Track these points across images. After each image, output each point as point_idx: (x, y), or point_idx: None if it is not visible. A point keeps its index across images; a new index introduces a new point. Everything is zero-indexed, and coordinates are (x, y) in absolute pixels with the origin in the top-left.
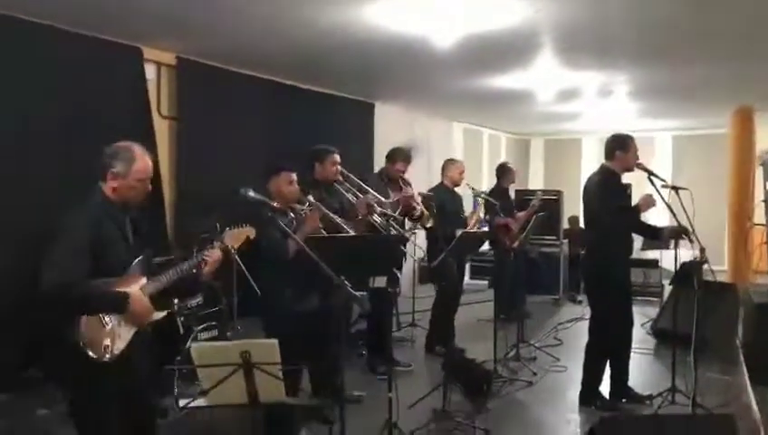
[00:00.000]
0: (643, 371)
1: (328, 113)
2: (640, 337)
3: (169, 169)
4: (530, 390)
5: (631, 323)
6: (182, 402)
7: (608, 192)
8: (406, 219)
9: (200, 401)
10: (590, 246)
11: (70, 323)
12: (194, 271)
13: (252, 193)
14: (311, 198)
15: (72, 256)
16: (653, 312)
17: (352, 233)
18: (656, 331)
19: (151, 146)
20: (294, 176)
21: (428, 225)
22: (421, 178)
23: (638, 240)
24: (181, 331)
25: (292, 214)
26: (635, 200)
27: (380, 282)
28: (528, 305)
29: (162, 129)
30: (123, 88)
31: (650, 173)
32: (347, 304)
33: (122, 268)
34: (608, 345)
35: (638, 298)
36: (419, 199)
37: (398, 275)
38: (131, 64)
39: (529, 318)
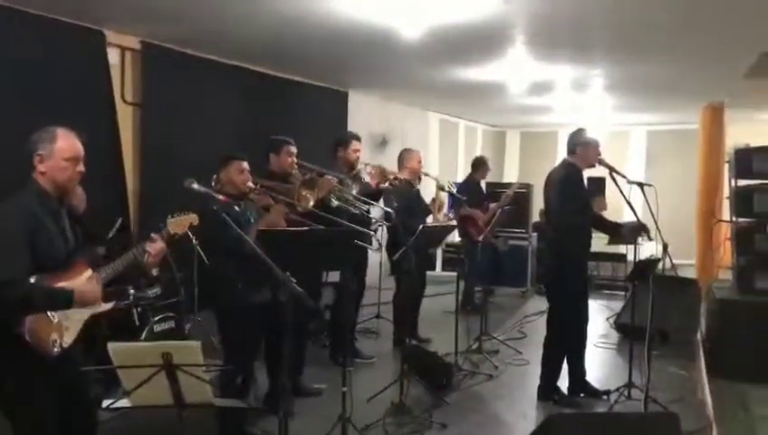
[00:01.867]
0: (605, 365)
1: (299, 101)
2: (605, 331)
3: (133, 157)
4: (490, 383)
5: (586, 319)
6: (105, 403)
7: (567, 188)
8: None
9: (124, 402)
10: (548, 241)
11: (14, 320)
12: (138, 262)
13: (195, 185)
14: (258, 185)
15: (9, 252)
16: (619, 306)
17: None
18: (618, 325)
19: (114, 133)
20: (245, 165)
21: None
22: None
23: (604, 235)
24: (137, 322)
25: (237, 208)
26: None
27: (335, 277)
28: (495, 298)
29: (126, 115)
30: (85, 73)
31: (612, 170)
32: (299, 299)
33: (60, 261)
34: (566, 340)
35: (606, 292)
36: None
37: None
38: (93, 49)
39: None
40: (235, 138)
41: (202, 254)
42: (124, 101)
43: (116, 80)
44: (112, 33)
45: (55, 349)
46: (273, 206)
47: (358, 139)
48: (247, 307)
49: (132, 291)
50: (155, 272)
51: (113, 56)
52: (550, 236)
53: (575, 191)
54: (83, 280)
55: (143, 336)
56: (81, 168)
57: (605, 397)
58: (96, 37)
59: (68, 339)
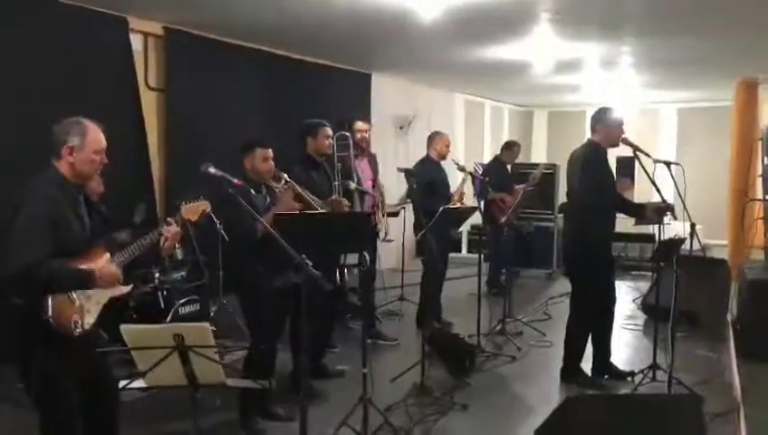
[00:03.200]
0: (630, 346)
1: (322, 85)
2: (631, 313)
3: (158, 142)
4: (513, 365)
5: (613, 301)
6: (121, 383)
7: (589, 168)
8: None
9: (139, 383)
10: (571, 222)
11: (38, 302)
12: (154, 246)
13: (212, 169)
14: (285, 176)
15: (35, 235)
16: (646, 287)
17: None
18: (645, 306)
19: (138, 119)
20: (270, 152)
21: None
22: (421, 151)
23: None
24: (162, 305)
25: (253, 192)
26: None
27: (353, 259)
28: (521, 280)
29: (150, 101)
30: (108, 59)
31: (636, 148)
32: (315, 281)
33: (79, 246)
34: (588, 322)
35: (633, 273)
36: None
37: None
38: (117, 35)
39: (509, 294)
40: (258, 122)
41: (225, 236)
42: (148, 87)
43: (139, 66)
44: (135, 20)
45: (77, 330)
46: (282, 190)
47: (366, 118)
48: (268, 290)
49: (158, 274)
50: (180, 255)
51: (136, 42)
52: (572, 217)
53: (597, 171)
54: (103, 262)
55: (168, 319)
56: (104, 159)
57: (629, 378)
58: (119, 24)
59: (89, 320)
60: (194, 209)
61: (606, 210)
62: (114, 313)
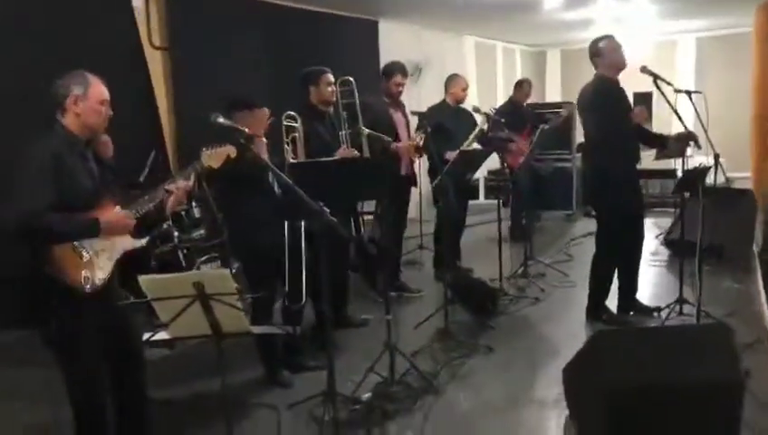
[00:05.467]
0: (655, 283)
1: (329, 34)
2: (654, 249)
3: (167, 101)
4: (537, 307)
5: (641, 237)
6: (144, 336)
7: (599, 103)
8: None
9: (162, 334)
10: (589, 160)
11: (42, 253)
12: (160, 202)
13: (221, 119)
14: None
15: (36, 184)
16: (669, 223)
17: None
18: (669, 242)
19: (145, 79)
20: (267, 113)
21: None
22: (433, 97)
23: (651, 151)
24: (183, 263)
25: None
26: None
27: (370, 207)
28: (541, 223)
29: (155, 60)
30: (109, 19)
31: (656, 77)
32: (333, 229)
33: (89, 201)
34: (613, 260)
35: (655, 210)
36: (415, 147)
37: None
38: None
39: (531, 237)
40: (266, 75)
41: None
42: (152, 46)
43: (142, 24)
44: None
45: (87, 286)
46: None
47: (405, 72)
48: (264, 249)
49: (177, 233)
50: (197, 213)
51: (137, 0)
52: (590, 155)
53: (609, 105)
54: (114, 211)
55: None
56: (110, 111)
57: (656, 314)
58: None
59: (101, 275)
60: (217, 155)
61: (623, 143)
62: (135, 272)
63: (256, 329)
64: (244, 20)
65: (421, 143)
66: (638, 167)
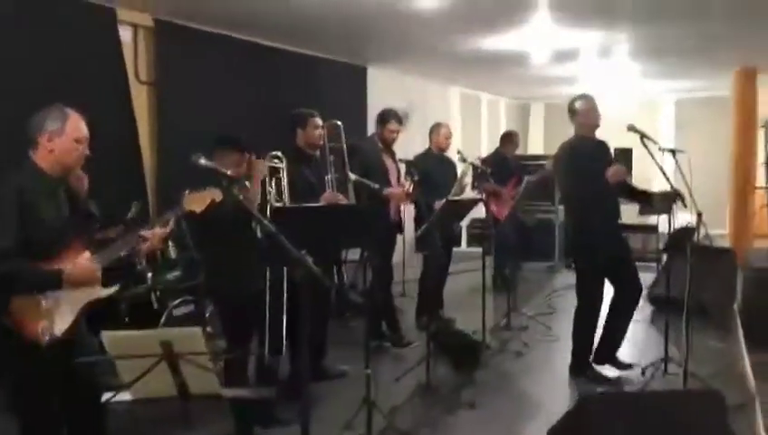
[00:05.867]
0: (638, 339)
1: (318, 78)
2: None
3: (150, 137)
4: (519, 361)
5: (630, 291)
6: (105, 397)
7: (574, 163)
8: None
9: (124, 395)
10: (569, 216)
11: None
12: (133, 248)
13: (203, 160)
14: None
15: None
16: (651, 278)
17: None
18: (652, 298)
19: (129, 114)
20: (246, 158)
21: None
22: (418, 145)
23: (635, 206)
24: (155, 306)
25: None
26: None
27: (354, 255)
28: (523, 273)
29: (140, 95)
30: (96, 53)
31: (643, 135)
32: (315, 279)
33: (56, 243)
34: (594, 315)
35: (637, 264)
36: (406, 193)
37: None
38: (104, 27)
39: (514, 288)
40: (252, 116)
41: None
42: (138, 81)
43: (129, 59)
44: (124, 11)
45: (45, 338)
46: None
47: (400, 120)
48: (243, 295)
49: (150, 274)
50: (173, 254)
51: (125, 34)
52: (569, 210)
53: (582, 165)
54: (79, 261)
55: (162, 321)
56: (87, 150)
57: (641, 373)
58: (106, 15)
59: (61, 326)
60: (200, 199)
61: (600, 201)
62: (106, 316)
63: (227, 392)
64: (233, 59)
65: (410, 190)
66: (621, 221)
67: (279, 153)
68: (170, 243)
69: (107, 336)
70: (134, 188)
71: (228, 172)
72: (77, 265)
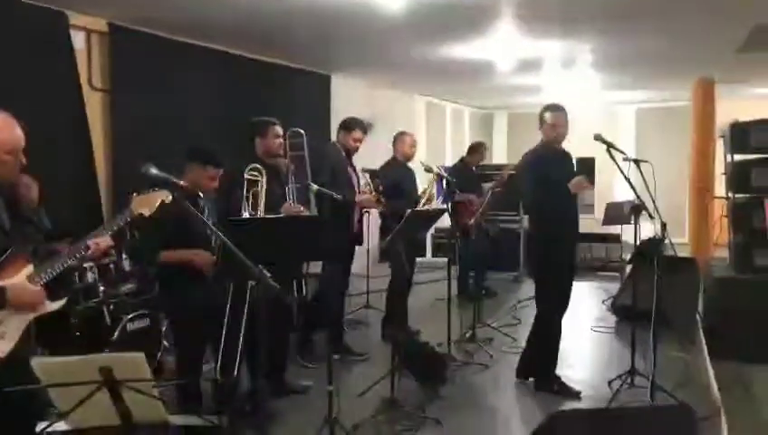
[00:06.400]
0: (604, 350)
1: (280, 86)
2: (600, 314)
3: (104, 145)
4: (485, 373)
5: (564, 307)
6: (39, 427)
7: (535, 171)
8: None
9: (60, 425)
10: (532, 225)
11: None
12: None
13: (154, 170)
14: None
15: None
16: (614, 288)
17: None
18: (617, 308)
19: (82, 121)
20: (220, 173)
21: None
22: (383, 154)
23: (598, 216)
24: (108, 321)
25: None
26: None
27: (316, 267)
28: (488, 283)
29: (94, 102)
30: (48, 58)
31: (609, 145)
32: (275, 294)
33: None
34: (556, 325)
35: (600, 274)
36: (371, 201)
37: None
38: (56, 32)
39: (484, 298)
40: (210, 124)
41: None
42: (92, 87)
43: (82, 65)
44: (76, 15)
45: None
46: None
47: (364, 129)
48: (196, 309)
49: (102, 287)
50: (127, 266)
51: (78, 40)
52: (534, 224)
53: (547, 172)
54: (21, 278)
55: (115, 336)
56: (22, 159)
57: (608, 385)
58: (58, 19)
59: (4, 347)
60: (148, 200)
61: (560, 209)
62: (56, 331)
63: (175, 419)
64: (192, 67)
65: (379, 197)
66: (584, 231)
67: (258, 166)
68: (123, 254)
69: (38, 364)
70: (87, 197)
71: (181, 183)
72: (20, 287)
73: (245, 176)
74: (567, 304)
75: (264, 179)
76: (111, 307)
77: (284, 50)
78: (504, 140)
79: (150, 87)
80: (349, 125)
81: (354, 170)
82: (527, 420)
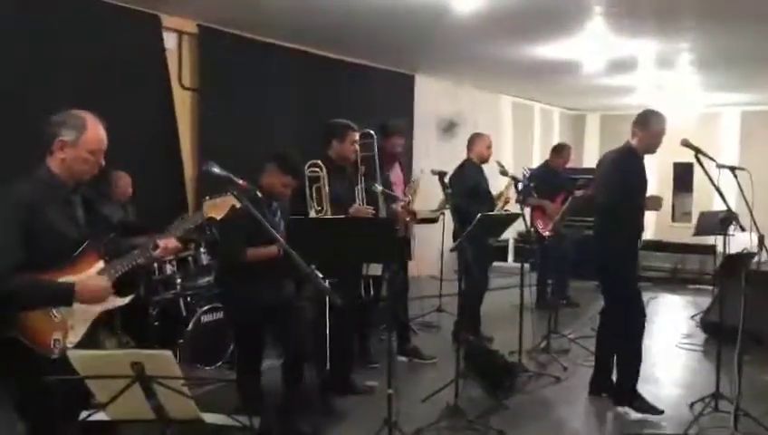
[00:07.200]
0: (689, 369)
1: (363, 86)
2: (689, 331)
3: (191, 142)
4: (557, 386)
5: (640, 316)
6: (82, 415)
7: (617, 174)
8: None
9: (101, 415)
10: (598, 232)
11: (7, 317)
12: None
13: (216, 168)
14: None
15: (2, 240)
16: (706, 302)
17: None
18: (705, 324)
19: (171, 119)
20: (294, 183)
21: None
22: (463, 156)
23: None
24: (184, 312)
25: (260, 195)
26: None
27: (376, 269)
28: (570, 292)
29: (183, 101)
30: (141, 58)
31: (698, 151)
32: (325, 294)
33: (68, 252)
34: (637, 335)
35: (691, 287)
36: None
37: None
38: (149, 33)
39: (564, 307)
40: (295, 124)
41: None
42: (181, 87)
43: (173, 64)
44: (168, 17)
45: (56, 350)
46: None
47: (403, 132)
48: (249, 309)
49: (179, 280)
50: (204, 260)
51: (170, 40)
52: (598, 226)
53: (626, 179)
54: (91, 274)
55: (189, 327)
56: (102, 160)
57: (689, 407)
58: (152, 21)
59: (73, 339)
60: (219, 206)
61: (631, 222)
62: (136, 321)
63: (208, 417)
64: (277, 67)
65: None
66: (676, 241)
67: (318, 162)
68: (202, 248)
69: (73, 356)
70: (174, 193)
71: (240, 182)
72: (89, 283)
73: (306, 174)
74: (640, 312)
75: (324, 172)
76: (189, 299)
77: (367, 50)
78: (596, 143)
79: (237, 86)
80: (384, 130)
81: (402, 170)
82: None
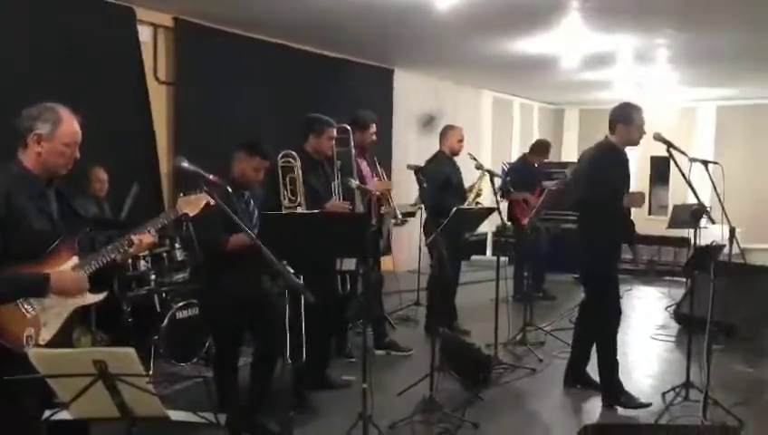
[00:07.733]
0: (662, 359)
1: (341, 80)
2: (663, 322)
3: (167, 137)
4: (532, 378)
5: (617, 313)
6: (45, 414)
7: (596, 170)
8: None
9: (64, 414)
10: (580, 228)
11: None
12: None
13: (185, 163)
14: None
15: None
16: (680, 294)
17: None
18: (678, 316)
19: (146, 113)
20: (266, 165)
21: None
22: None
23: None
24: (158, 309)
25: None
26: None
27: (350, 264)
28: (547, 286)
29: (159, 95)
30: (115, 51)
31: (669, 145)
32: (296, 291)
33: (42, 246)
34: (612, 329)
35: (667, 278)
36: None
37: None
38: (123, 26)
39: (541, 301)
40: (273, 119)
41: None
42: (157, 81)
43: (148, 58)
44: (143, 10)
45: (29, 346)
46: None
47: (376, 121)
48: (234, 303)
49: (154, 276)
50: (179, 256)
51: (145, 34)
52: (579, 222)
53: (606, 174)
54: (66, 268)
55: (164, 323)
56: (77, 153)
57: (662, 398)
58: (126, 14)
59: (45, 335)
60: (193, 202)
61: (611, 218)
62: (109, 317)
63: (174, 414)
64: (255, 61)
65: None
66: (651, 233)
67: (291, 152)
68: (177, 244)
69: (34, 354)
70: (150, 188)
71: (210, 177)
72: (65, 276)
73: (279, 163)
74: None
75: (298, 163)
76: (164, 295)
77: (346, 44)
78: (575, 137)
79: (214, 81)
80: (361, 122)
81: (369, 164)
82: (569, 429)
